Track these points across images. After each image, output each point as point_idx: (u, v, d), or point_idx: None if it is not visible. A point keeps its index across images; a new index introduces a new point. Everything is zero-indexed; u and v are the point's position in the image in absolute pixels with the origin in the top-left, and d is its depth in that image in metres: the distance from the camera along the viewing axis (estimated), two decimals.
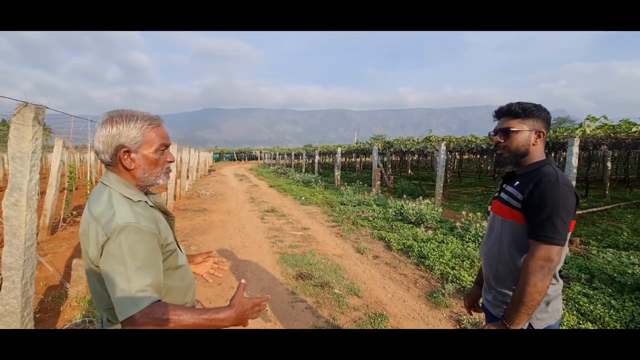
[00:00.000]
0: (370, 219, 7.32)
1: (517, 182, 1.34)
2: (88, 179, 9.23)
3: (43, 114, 1.99)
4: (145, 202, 1.08)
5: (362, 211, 8.20)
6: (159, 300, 0.93)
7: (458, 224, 5.94)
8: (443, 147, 8.71)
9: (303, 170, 22.55)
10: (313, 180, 15.24)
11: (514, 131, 1.33)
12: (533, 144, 1.33)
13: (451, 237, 5.35)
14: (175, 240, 1.18)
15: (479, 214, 6.12)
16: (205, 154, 24.71)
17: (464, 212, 6.22)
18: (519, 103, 1.34)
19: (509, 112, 1.36)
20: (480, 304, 1.63)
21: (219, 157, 50.56)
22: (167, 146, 1.11)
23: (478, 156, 21.78)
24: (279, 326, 2.94)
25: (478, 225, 5.46)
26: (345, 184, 12.29)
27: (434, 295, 3.58)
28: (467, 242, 5.12)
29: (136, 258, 0.92)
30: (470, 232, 5.36)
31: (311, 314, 3.15)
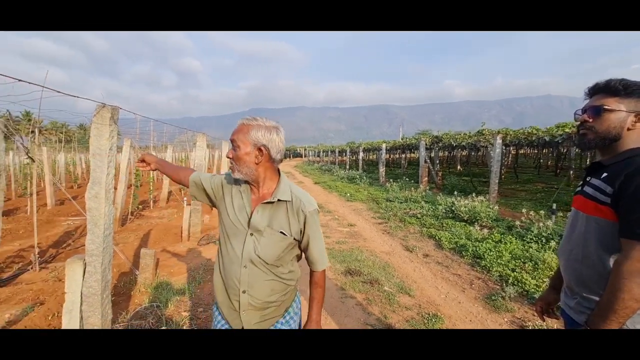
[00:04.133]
0: (419, 216, 7.07)
1: (604, 174, 1.17)
2: (151, 176, 10.06)
3: (117, 114, 2.18)
4: (239, 186, 1.29)
5: (410, 208, 7.95)
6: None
7: (517, 222, 5.50)
8: (499, 141, 8.12)
9: (347, 167, 22.47)
10: (357, 176, 15.12)
11: (606, 110, 1.15)
12: (629, 129, 1.14)
13: (510, 236, 4.96)
14: (244, 239, 1.21)
15: (542, 212, 5.61)
16: None
17: (524, 210, 5.74)
18: (621, 79, 1.16)
19: (606, 89, 1.17)
20: (557, 310, 1.48)
21: None
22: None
23: (536, 150, 19.99)
24: (329, 320, 2.94)
25: (542, 224, 4.99)
26: (391, 180, 12.01)
27: (493, 298, 3.35)
28: (528, 242, 4.72)
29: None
30: (532, 231, 4.93)
31: (361, 311, 3.12)
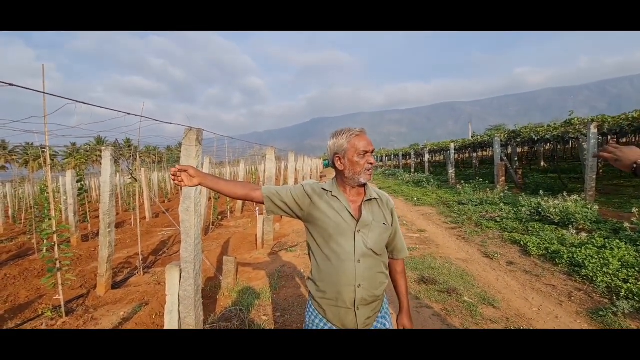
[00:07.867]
0: (498, 219, 6.46)
1: None
2: None
3: (202, 136, 2.45)
4: (330, 192, 1.32)
5: (486, 211, 7.32)
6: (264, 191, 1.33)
7: (626, 224, 4.67)
8: (593, 130, 7.04)
9: (412, 170, 21.66)
10: (424, 179, 14.46)
11: None
12: None
13: (617, 241, 4.23)
14: (354, 236, 1.26)
15: None
16: (316, 161, 26.37)
17: (634, 210, 4.85)
18: None
19: None
20: None
21: (328, 164, 53.19)
22: (366, 152, 1.27)
23: None
24: None
25: None
26: (462, 182, 11.21)
27: (601, 313, 2.88)
28: None
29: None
30: None
31: (440, 322, 2.94)
